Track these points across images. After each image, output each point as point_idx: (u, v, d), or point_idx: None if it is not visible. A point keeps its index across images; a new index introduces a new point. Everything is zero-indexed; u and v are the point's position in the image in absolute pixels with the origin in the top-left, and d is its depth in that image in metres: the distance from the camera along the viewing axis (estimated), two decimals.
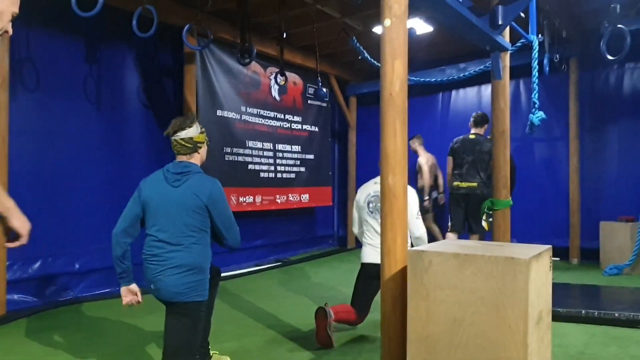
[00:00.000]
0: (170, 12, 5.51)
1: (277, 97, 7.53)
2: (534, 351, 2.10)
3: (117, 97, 5.59)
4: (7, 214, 1.68)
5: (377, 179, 3.72)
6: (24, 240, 1.72)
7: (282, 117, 7.61)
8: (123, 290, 2.70)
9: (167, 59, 6.18)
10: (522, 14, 3.59)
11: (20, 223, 1.70)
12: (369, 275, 3.77)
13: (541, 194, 7.32)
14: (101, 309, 4.69)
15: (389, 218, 2.39)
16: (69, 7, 4.01)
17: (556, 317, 3.50)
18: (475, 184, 5.76)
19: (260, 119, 7.22)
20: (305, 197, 7.98)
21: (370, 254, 3.80)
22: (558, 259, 6.87)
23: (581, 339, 3.74)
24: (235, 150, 6.72)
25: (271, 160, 7.39)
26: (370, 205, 3.86)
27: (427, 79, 7.36)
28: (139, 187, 2.74)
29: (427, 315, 2.20)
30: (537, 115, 4.06)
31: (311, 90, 7.98)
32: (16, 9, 1.74)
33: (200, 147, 2.76)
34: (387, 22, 2.37)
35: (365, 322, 3.91)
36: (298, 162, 7.89)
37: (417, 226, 3.77)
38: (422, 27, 6.41)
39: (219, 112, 6.45)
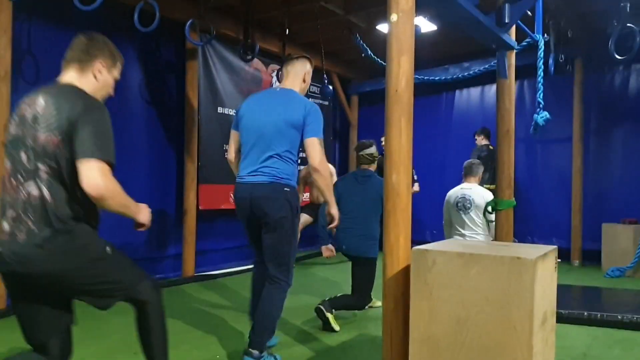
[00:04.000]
0: (172, 6, 5.46)
1: None
2: (539, 352, 2.07)
3: (118, 91, 5.46)
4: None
5: (463, 185, 4.85)
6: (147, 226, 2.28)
7: None
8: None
9: (169, 54, 6.13)
10: (529, 12, 3.56)
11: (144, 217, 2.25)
12: None
13: (544, 195, 7.29)
14: None
15: (392, 216, 2.35)
16: (71, 1, 3.98)
17: (558, 318, 3.46)
18: None
19: None
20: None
21: None
22: (559, 260, 6.81)
23: (584, 341, 3.71)
24: None
25: None
26: (459, 204, 4.74)
27: (430, 78, 7.33)
28: (335, 185, 4.21)
29: (430, 314, 2.17)
30: (542, 116, 4.03)
31: (313, 89, 7.92)
32: (117, 75, 2.38)
33: (376, 160, 4.28)
34: (394, 17, 2.32)
35: (366, 319, 3.84)
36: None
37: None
38: (425, 25, 6.36)
39: (220, 109, 6.41)
